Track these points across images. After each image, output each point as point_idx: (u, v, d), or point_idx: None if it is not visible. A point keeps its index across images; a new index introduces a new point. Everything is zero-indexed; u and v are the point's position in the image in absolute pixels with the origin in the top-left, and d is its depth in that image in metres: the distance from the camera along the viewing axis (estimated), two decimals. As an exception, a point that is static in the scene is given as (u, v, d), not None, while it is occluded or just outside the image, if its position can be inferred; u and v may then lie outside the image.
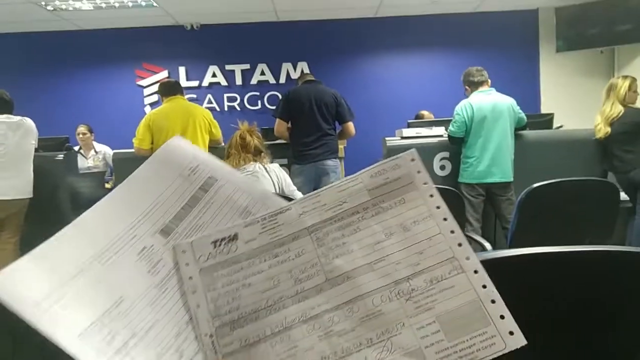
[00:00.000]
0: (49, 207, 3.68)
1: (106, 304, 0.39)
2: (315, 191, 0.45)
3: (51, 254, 0.41)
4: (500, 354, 0.36)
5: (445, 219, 0.42)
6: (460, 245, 0.41)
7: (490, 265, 0.61)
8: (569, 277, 0.63)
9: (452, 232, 0.42)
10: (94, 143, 5.04)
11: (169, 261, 0.43)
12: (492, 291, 0.38)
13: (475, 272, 0.40)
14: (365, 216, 0.43)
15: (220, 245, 0.44)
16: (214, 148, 3.50)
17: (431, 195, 0.43)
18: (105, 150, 5.00)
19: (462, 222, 2.11)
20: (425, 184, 0.44)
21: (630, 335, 0.63)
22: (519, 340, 0.36)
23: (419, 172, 0.45)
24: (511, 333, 0.36)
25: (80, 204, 3.94)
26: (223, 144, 3.53)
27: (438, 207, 0.43)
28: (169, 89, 3.57)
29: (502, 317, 0.37)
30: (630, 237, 3.36)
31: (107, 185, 4.22)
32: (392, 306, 0.39)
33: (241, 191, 0.48)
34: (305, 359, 0.38)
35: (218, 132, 3.57)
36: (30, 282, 0.39)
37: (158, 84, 4.31)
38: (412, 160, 0.45)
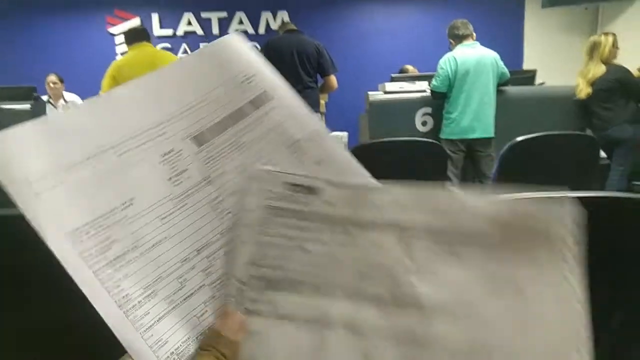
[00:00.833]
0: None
1: (111, 204, 0.33)
2: (430, 188, 0.35)
3: (63, 126, 0.34)
4: None
5: (579, 306, 0.31)
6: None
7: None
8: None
9: (579, 326, 0.31)
10: (64, 93, 4.81)
11: (195, 174, 0.36)
12: None
13: None
14: (477, 252, 0.33)
15: (296, 190, 0.37)
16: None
17: (572, 272, 0.32)
18: (75, 100, 4.78)
19: (443, 178, 2.10)
20: (571, 253, 0.33)
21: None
22: None
23: (571, 235, 0.33)
24: None
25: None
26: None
27: (576, 288, 0.32)
28: (134, 35, 3.32)
29: None
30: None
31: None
32: None
33: (296, 120, 0.41)
34: None
35: None
36: (27, 154, 0.32)
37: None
38: (569, 217, 0.33)
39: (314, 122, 0.41)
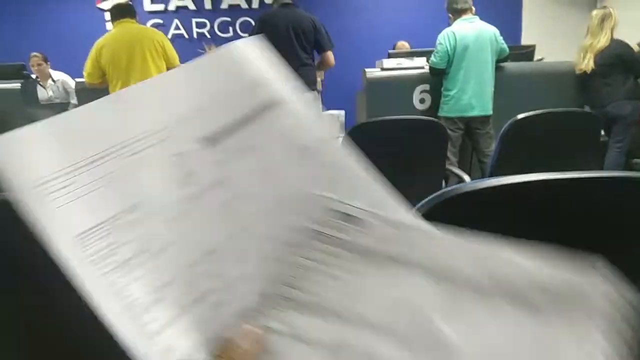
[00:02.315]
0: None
1: (117, 207, 0.32)
2: (477, 241, 0.34)
3: (69, 128, 0.33)
4: None
5: None
6: None
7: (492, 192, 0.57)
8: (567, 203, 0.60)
9: None
10: (51, 71, 4.69)
11: (206, 176, 0.35)
12: None
13: None
14: (514, 309, 0.32)
15: (346, 220, 0.36)
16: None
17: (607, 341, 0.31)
18: (63, 78, 4.66)
19: (444, 156, 2.08)
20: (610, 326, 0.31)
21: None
22: None
23: (612, 310, 0.32)
24: None
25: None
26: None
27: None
28: (117, 12, 3.20)
29: None
30: (605, 170, 3.45)
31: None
32: None
33: (305, 126, 0.41)
34: None
35: (174, 59, 3.23)
36: (38, 155, 0.31)
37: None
38: (608, 295, 0.32)
39: (322, 128, 0.42)
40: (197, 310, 0.31)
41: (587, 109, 3.53)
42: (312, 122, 0.41)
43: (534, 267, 0.33)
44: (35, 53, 4.55)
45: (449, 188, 0.54)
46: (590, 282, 0.32)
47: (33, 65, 4.54)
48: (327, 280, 0.33)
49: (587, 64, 3.33)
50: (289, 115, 0.40)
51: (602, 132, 3.43)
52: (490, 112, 3.22)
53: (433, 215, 0.55)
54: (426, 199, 0.54)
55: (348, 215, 0.36)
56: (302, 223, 0.36)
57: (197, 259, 0.32)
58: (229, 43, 0.41)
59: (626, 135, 3.34)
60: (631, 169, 3.48)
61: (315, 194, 0.37)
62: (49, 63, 4.65)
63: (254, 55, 0.42)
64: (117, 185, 0.32)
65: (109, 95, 0.36)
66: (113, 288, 0.29)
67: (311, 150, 0.39)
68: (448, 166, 3.11)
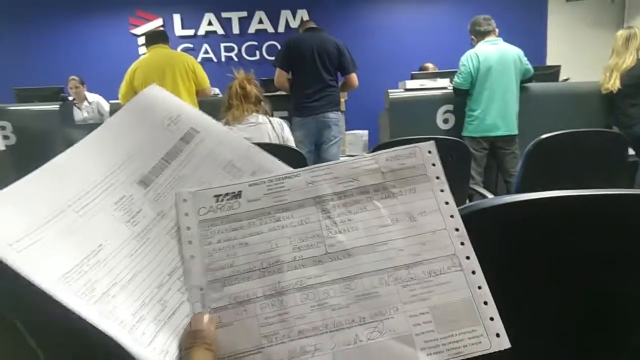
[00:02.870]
0: (46, 161, 3.63)
1: (84, 252, 0.38)
2: (327, 163, 0.45)
3: (23, 196, 0.39)
4: (485, 353, 0.38)
5: (452, 216, 0.43)
6: (462, 244, 0.41)
7: (508, 209, 0.59)
8: (588, 223, 0.61)
9: (457, 229, 0.42)
10: (87, 93, 4.93)
11: (149, 212, 0.42)
12: (486, 293, 0.40)
13: (473, 272, 0.40)
14: (374, 197, 0.43)
15: (222, 200, 0.43)
16: (207, 102, 3.37)
17: (442, 190, 0.44)
18: (98, 100, 4.90)
19: (467, 175, 2.09)
20: (437, 177, 0.44)
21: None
22: (504, 343, 0.38)
23: (433, 164, 0.45)
24: (497, 335, 0.38)
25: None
26: (219, 94, 3.43)
27: (447, 203, 0.43)
28: (151, 38, 3.40)
29: (491, 319, 0.39)
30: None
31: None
32: (388, 290, 0.40)
33: (225, 144, 0.47)
34: (296, 326, 0.39)
35: (204, 80, 3.37)
36: (1, 222, 0.37)
37: (146, 34, 4.11)
38: (429, 152, 0.45)
39: (242, 142, 0.47)
40: (173, 321, 0.38)
41: (614, 129, 3.48)
42: (230, 138, 0.48)
43: (376, 162, 0.44)
44: (73, 76, 4.79)
45: (469, 204, 0.57)
46: (424, 159, 0.44)
47: (71, 88, 4.78)
48: (240, 251, 0.41)
49: (613, 83, 3.29)
50: (209, 138, 0.47)
51: (634, 152, 3.37)
52: (516, 132, 3.21)
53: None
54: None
55: (228, 194, 0.43)
56: (197, 218, 0.43)
57: (162, 281, 0.40)
58: (141, 92, 0.48)
59: (657, 156, 3.27)
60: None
61: (198, 190, 0.44)
62: (85, 85, 4.88)
63: (163, 95, 0.49)
64: (79, 234, 0.39)
65: (44, 166, 0.41)
66: (103, 314, 0.36)
67: (235, 163, 0.46)
68: (472, 185, 3.10)
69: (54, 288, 0.35)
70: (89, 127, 3.73)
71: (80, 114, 4.79)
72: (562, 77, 3.93)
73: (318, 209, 0.43)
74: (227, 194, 0.43)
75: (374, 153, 0.45)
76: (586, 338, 0.60)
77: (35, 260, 0.36)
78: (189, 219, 0.42)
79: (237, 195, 0.43)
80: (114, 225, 0.41)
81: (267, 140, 2.18)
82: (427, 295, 0.39)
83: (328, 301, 0.39)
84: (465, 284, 0.40)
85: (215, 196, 0.43)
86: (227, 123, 2.23)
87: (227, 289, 0.40)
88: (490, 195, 2.08)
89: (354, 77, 3.42)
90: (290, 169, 0.45)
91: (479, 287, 0.40)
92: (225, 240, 0.42)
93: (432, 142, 0.46)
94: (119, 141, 0.45)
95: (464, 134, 3.29)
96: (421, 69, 4.70)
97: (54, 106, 3.72)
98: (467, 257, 0.41)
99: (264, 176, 0.44)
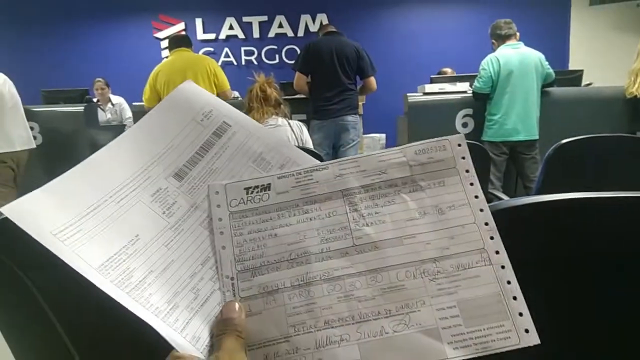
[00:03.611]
0: (71, 161, 3.73)
1: (122, 242, 0.40)
2: (355, 156, 0.46)
3: (64, 190, 0.41)
4: (513, 348, 0.37)
5: (481, 210, 0.43)
6: (492, 238, 0.41)
7: (528, 211, 0.60)
8: (610, 225, 0.61)
9: (487, 224, 0.42)
10: (110, 95, 5.06)
11: (183, 204, 0.44)
12: (516, 288, 0.39)
13: (502, 267, 0.40)
14: (402, 190, 0.44)
15: (252, 192, 0.44)
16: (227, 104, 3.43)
17: (471, 184, 0.44)
18: (121, 102, 5.02)
19: (486, 179, 2.07)
20: (467, 171, 0.44)
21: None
22: (533, 339, 0.37)
23: (463, 158, 0.44)
24: (527, 331, 0.38)
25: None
26: (239, 97, 3.48)
27: (476, 197, 0.43)
28: (174, 42, 3.48)
29: (520, 314, 0.38)
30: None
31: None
32: (415, 283, 0.40)
33: (255, 137, 0.49)
34: (322, 316, 0.39)
35: (224, 83, 3.44)
36: (45, 213, 0.39)
37: (169, 38, 4.19)
38: (459, 145, 0.45)
39: (272, 135, 0.49)
40: (205, 309, 0.40)
41: (639, 134, 3.41)
42: (261, 132, 0.49)
43: (404, 155, 0.45)
44: (98, 78, 4.92)
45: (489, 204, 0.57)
46: (453, 153, 0.44)
47: (97, 89, 4.91)
48: (269, 242, 0.42)
49: (638, 87, 3.23)
50: (240, 132, 0.49)
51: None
52: (537, 137, 3.17)
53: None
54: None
55: (258, 186, 0.45)
56: (228, 210, 0.45)
57: (196, 270, 0.42)
58: (176, 87, 0.50)
59: (683, 162, 3.19)
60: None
61: (229, 183, 0.45)
62: (110, 88, 5.00)
63: (196, 90, 0.51)
64: (117, 225, 0.41)
65: (84, 161, 0.44)
66: (139, 301, 0.38)
67: (264, 156, 0.48)
68: (491, 190, 3.07)
69: (94, 276, 0.37)
70: (112, 129, 3.81)
71: (104, 116, 4.91)
72: (584, 81, 3.87)
73: (345, 202, 0.43)
74: (257, 187, 0.45)
75: (403, 146, 0.45)
76: (602, 340, 0.60)
77: (78, 249, 0.38)
78: (220, 211, 0.44)
79: (267, 187, 0.44)
80: (150, 217, 0.43)
81: (286, 143, 2.20)
82: (454, 290, 0.39)
83: (354, 293, 0.40)
84: (494, 278, 0.40)
85: (245, 189, 0.45)
86: (247, 125, 2.26)
87: (257, 279, 0.41)
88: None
89: (372, 80, 3.43)
90: (318, 162, 0.46)
91: (508, 282, 0.40)
92: (256, 232, 0.43)
93: (461, 135, 0.46)
94: (155, 136, 0.47)
95: (484, 138, 3.27)
96: (440, 73, 4.68)
97: (79, 108, 3.81)
98: (497, 252, 0.41)
99: (293, 169, 0.46)
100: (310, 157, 0.48)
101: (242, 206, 0.44)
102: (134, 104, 4.19)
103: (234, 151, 0.48)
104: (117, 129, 4.49)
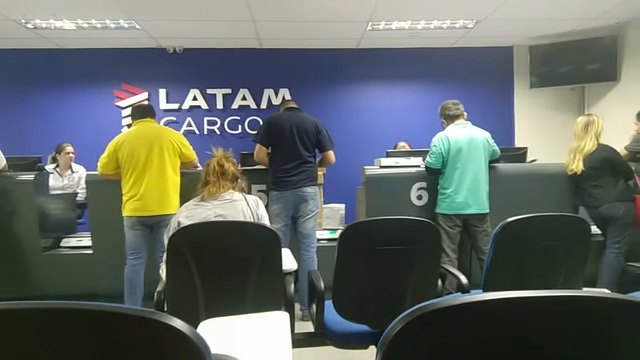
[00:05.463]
0: (14, 231, 3.55)
1: None
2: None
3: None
4: None
5: None
6: None
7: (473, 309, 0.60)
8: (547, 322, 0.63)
9: None
10: (72, 163, 4.97)
11: None
12: None
13: None
14: None
15: None
16: (188, 173, 3.41)
17: None
18: (80, 172, 4.93)
19: (438, 252, 2.11)
20: None
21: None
22: None
23: None
24: None
25: (50, 227, 3.82)
26: (200, 167, 3.47)
27: None
28: (138, 112, 3.47)
29: None
30: (602, 271, 3.43)
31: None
32: None
33: None
34: None
35: (191, 154, 3.44)
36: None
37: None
38: None
39: None
40: None
41: (581, 209, 3.61)
42: None
43: None
44: (68, 144, 4.91)
45: (417, 306, 0.57)
46: None
47: (67, 153, 4.88)
48: None
49: (577, 165, 3.47)
50: None
51: (600, 232, 3.47)
52: (487, 210, 3.30)
53: (406, 332, 0.57)
54: (397, 318, 0.57)
55: None
56: None
57: None
58: None
59: (623, 237, 3.37)
60: (625, 274, 3.45)
61: None
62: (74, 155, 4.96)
63: None
64: None
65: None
66: None
67: None
68: (446, 262, 3.11)
69: None
70: (63, 197, 3.66)
71: (59, 182, 4.78)
72: (529, 158, 4.12)
73: None
74: None
75: None
76: None
77: None
78: None
79: None
80: None
81: (241, 217, 2.19)
82: None
83: None
84: None
85: None
86: (202, 199, 2.25)
87: None
88: (462, 277, 2.09)
89: (330, 154, 3.53)
90: None
91: None
92: None
93: None
94: None
95: (437, 211, 3.37)
96: (395, 147, 4.89)
97: (29, 176, 3.70)
98: None
99: None
100: None
101: None
102: (88, 173, 4.09)
103: None
104: (69, 196, 4.37)
